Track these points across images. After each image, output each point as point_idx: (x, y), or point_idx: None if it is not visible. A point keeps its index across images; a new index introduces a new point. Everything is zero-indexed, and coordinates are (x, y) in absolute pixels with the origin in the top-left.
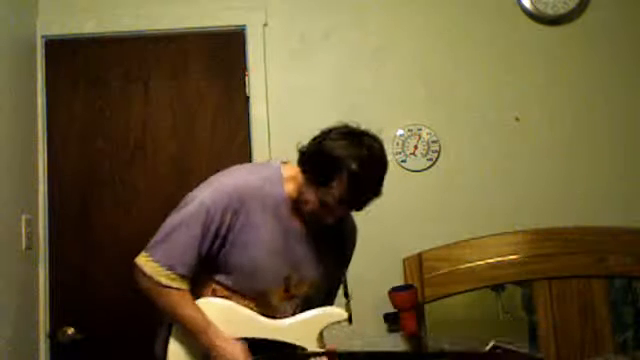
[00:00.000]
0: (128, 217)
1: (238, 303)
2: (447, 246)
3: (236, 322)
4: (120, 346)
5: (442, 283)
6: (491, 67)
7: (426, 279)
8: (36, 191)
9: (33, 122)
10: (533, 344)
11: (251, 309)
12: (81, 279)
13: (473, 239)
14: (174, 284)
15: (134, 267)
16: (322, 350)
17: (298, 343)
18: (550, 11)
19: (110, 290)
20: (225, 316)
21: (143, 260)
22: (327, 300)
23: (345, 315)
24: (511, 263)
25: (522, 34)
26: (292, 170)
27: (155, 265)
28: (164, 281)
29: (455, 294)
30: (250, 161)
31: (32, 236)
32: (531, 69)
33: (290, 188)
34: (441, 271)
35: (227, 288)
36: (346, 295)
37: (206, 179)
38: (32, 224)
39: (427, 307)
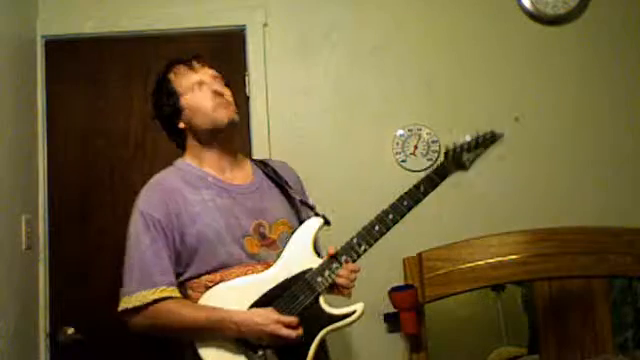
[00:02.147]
0: (128, 217)
1: (230, 277)
2: (447, 246)
3: (239, 294)
4: (120, 346)
5: (442, 283)
6: (491, 67)
7: (426, 279)
8: (36, 191)
9: (33, 122)
10: (533, 344)
11: (245, 275)
12: (81, 279)
13: (473, 239)
14: (165, 294)
15: (123, 320)
16: (327, 260)
17: (302, 269)
18: (550, 11)
19: (110, 290)
20: (227, 297)
21: (125, 303)
22: None
23: (321, 220)
24: (511, 263)
25: (522, 34)
26: (186, 153)
27: (138, 295)
28: (156, 296)
29: (455, 294)
30: None
31: (32, 236)
32: (531, 69)
33: (191, 158)
34: (441, 271)
35: (213, 272)
36: (312, 209)
37: None
38: (32, 224)
39: (427, 307)
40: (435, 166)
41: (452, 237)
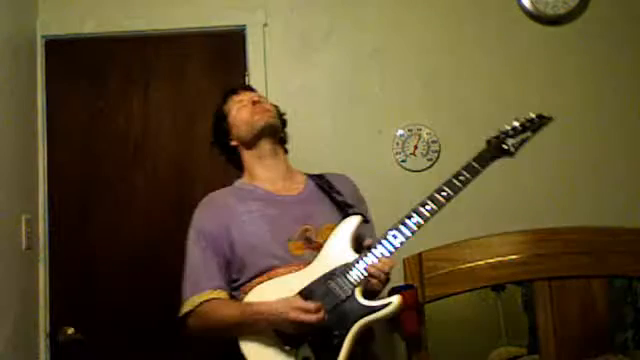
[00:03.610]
0: (128, 217)
1: (276, 277)
2: (447, 246)
3: (279, 291)
4: (120, 346)
5: (442, 283)
6: (491, 67)
7: (426, 279)
8: (36, 191)
9: (33, 122)
10: (533, 344)
11: (290, 274)
12: (81, 279)
13: (473, 239)
14: (212, 296)
15: (185, 329)
16: (363, 254)
17: (339, 264)
18: (550, 11)
19: (110, 290)
20: (266, 295)
21: (183, 309)
22: None
23: (359, 218)
24: (511, 263)
25: (522, 34)
26: (243, 173)
27: (190, 300)
28: (203, 299)
29: (455, 294)
30: None
31: (32, 236)
32: (531, 69)
33: (245, 176)
34: (441, 271)
35: (261, 274)
36: (351, 207)
37: (206, 179)
38: (32, 224)
39: (427, 307)
40: (477, 153)
41: (452, 237)
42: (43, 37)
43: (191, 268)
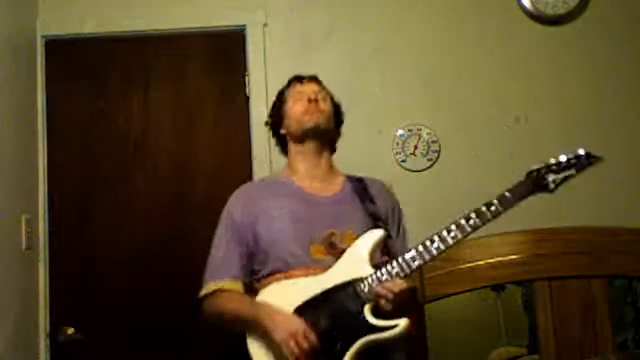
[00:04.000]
0: (128, 217)
1: (292, 278)
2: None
3: (289, 293)
4: (120, 346)
5: (442, 283)
6: (491, 67)
7: (426, 279)
8: (36, 191)
9: (33, 122)
10: (533, 344)
11: (306, 276)
12: (81, 279)
13: (473, 239)
14: (226, 287)
15: (200, 311)
16: (378, 270)
17: (353, 277)
18: (550, 11)
19: (110, 290)
20: (277, 296)
21: (200, 294)
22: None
23: (382, 232)
24: (511, 263)
25: (522, 34)
26: (287, 163)
27: (206, 286)
28: (216, 288)
29: (455, 294)
30: (250, 161)
31: (32, 236)
32: (531, 69)
33: (286, 168)
34: (441, 271)
35: (278, 272)
36: (378, 219)
37: (206, 179)
38: (32, 224)
39: (427, 307)
40: (514, 185)
41: None
42: (43, 37)
43: (214, 256)
